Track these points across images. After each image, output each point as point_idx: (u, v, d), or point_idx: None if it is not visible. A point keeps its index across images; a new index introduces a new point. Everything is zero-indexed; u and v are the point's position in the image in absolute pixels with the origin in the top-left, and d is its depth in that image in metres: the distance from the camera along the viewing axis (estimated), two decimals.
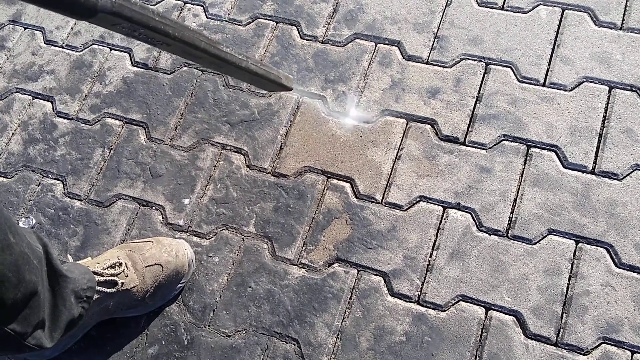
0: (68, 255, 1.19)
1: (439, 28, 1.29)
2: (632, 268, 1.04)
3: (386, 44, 1.30)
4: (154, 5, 1.46)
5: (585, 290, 1.03)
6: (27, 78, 1.42)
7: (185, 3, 1.43)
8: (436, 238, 1.11)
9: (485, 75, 1.23)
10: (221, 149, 1.26)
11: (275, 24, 1.37)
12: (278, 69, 0.90)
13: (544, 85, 1.21)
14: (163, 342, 1.10)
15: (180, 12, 1.42)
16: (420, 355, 1.03)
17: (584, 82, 1.19)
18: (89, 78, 1.39)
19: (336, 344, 1.06)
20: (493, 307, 1.05)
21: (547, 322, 1.02)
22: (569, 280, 1.05)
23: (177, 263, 1.08)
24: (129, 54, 1.40)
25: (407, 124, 1.22)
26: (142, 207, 1.23)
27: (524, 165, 1.15)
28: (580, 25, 1.25)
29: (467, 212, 1.12)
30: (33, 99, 1.39)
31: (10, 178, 1.30)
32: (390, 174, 1.18)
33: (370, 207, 1.15)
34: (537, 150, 1.15)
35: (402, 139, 1.20)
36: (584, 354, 0.99)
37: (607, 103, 1.17)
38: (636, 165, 1.11)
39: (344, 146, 1.22)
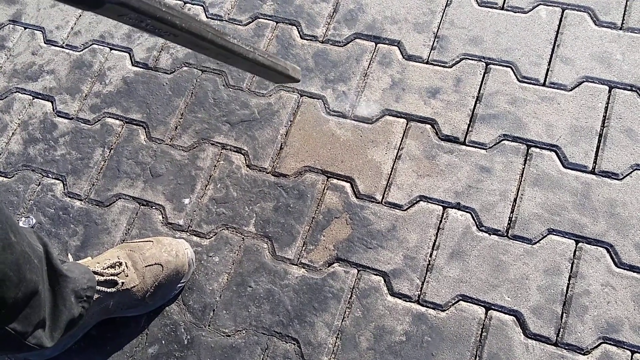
0: (68, 254, 1.19)
1: (439, 28, 1.30)
2: (632, 268, 1.04)
3: (386, 44, 1.30)
4: None
5: (585, 290, 1.03)
6: (27, 78, 1.42)
7: (185, 3, 1.43)
8: (436, 238, 1.11)
9: (485, 75, 1.23)
10: (221, 148, 1.26)
11: (275, 23, 1.37)
12: (285, 60, 0.89)
13: (544, 85, 1.21)
14: (163, 342, 1.10)
15: None
16: (420, 355, 1.03)
17: (584, 82, 1.20)
18: (89, 78, 1.39)
19: (336, 344, 1.06)
20: (493, 307, 1.05)
21: (547, 321, 1.02)
22: (569, 280, 1.05)
23: (177, 263, 1.08)
24: (129, 54, 1.40)
25: (407, 123, 1.22)
26: (142, 206, 1.23)
27: (524, 165, 1.15)
28: (580, 25, 1.25)
29: (467, 212, 1.12)
30: (33, 99, 1.39)
31: (10, 178, 1.30)
32: (390, 173, 1.18)
33: (370, 206, 1.15)
34: (537, 150, 1.15)
35: (402, 138, 1.20)
36: (584, 354, 0.99)
37: (607, 103, 1.17)
38: (636, 165, 1.11)
39: (344, 146, 1.22)
